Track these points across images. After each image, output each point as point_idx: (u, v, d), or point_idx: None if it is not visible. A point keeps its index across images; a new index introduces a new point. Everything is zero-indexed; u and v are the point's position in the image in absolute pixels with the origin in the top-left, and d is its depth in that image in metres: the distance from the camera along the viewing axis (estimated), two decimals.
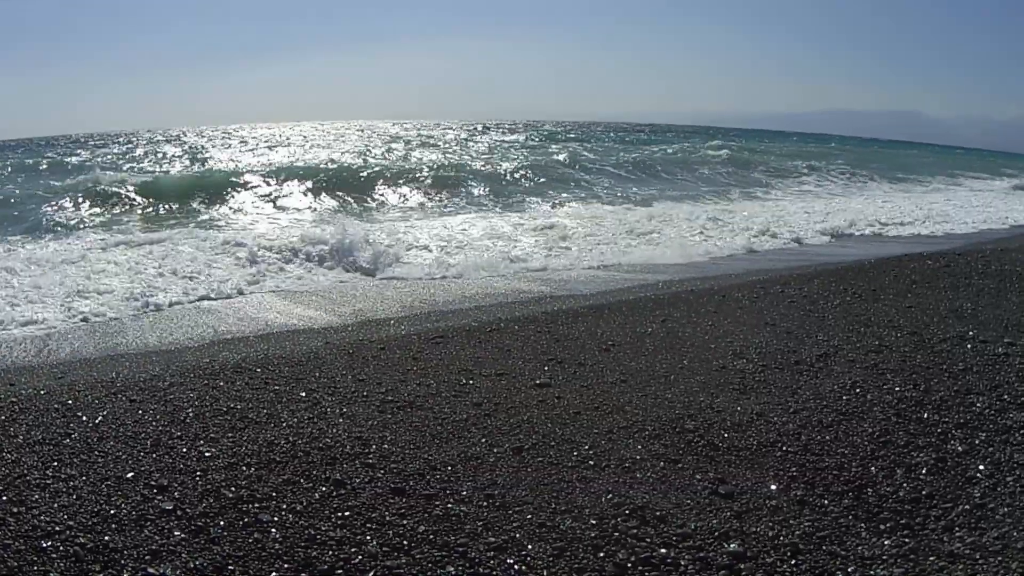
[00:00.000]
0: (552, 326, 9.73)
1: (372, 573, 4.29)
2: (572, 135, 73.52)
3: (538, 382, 7.46)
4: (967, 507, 4.98)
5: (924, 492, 5.17)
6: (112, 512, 4.82)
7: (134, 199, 26.69)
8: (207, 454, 5.75)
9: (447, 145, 55.50)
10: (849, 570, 4.32)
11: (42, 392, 7.11)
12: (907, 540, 4.61)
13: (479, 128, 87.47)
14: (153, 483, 5.23)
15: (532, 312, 10.87)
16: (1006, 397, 6.83)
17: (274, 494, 5.14)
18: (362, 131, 75.82)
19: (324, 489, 5.23)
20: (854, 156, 58.32)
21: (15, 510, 4.80)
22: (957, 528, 4.74)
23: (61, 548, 4.41)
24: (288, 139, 63.53)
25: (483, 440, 6.10)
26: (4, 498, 4.97)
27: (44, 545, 4.42)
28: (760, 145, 65.12)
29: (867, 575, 4.28)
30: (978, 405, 6.66)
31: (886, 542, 4.59)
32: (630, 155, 46.99)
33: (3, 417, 6.45)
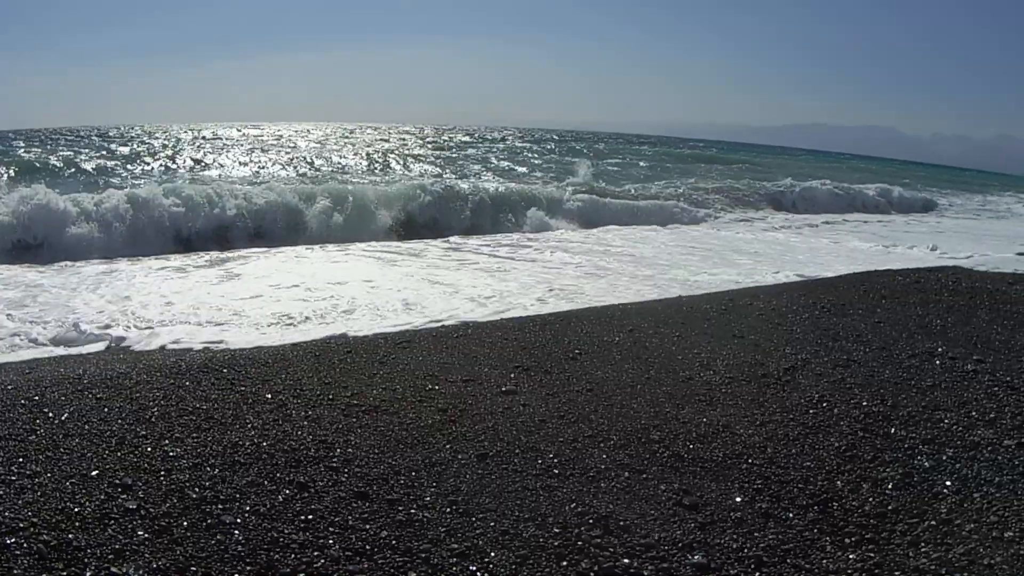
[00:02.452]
0: (519, 333, 9.72)
1: None
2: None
3: (504, 389, 7.45)
4: (933, 523, 5.00)
5: (890, 507, 5.19)
6: (76, 510, 4.80)
7: None
8: (172, 454, 5.73)
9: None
10: None
11: (8, 387, 7.10)
12: (872, 555, 4.63)
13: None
14: (117, 482, 5.20)
15: (499, 319, 10.85)
16: (974, 414, 6.86)
17: (238, 495, 5.13)
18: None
19: (288, 492, 5.22)
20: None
21: None
22: (923, 544, 4.75)
23: (25, 545, 4.38)
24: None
25: (447, 446, 6.10)
26: None
27: (8, 542, 4.39)
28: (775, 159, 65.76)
29: None
30: (946, 421, 6.69)
31: (851, 556, 4.61)
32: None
33: None
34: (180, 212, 21.15)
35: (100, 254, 17.41)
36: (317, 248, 18.83)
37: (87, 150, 45.26)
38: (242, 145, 56.08)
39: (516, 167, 46.12)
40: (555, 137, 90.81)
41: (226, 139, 61.85)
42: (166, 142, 54.72)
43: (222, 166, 41.19)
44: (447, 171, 39.49)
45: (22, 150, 43.51)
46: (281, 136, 69.83)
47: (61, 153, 40.29)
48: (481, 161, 49.62)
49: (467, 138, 77.89)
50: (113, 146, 49.83)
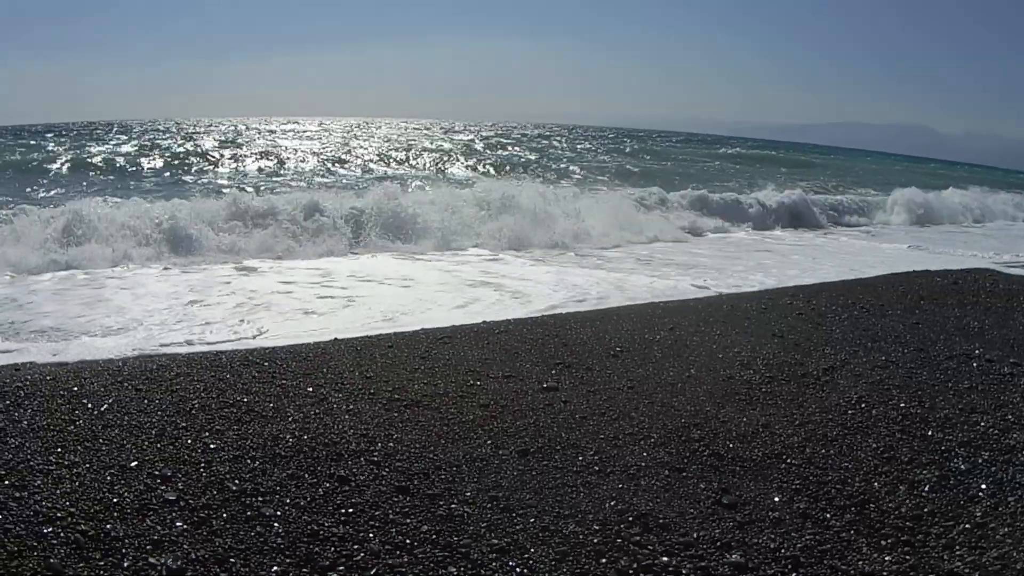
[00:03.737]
0: (560, 330, 9.72)
1: (374, 571, 4.28)
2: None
3: (545, 385, 7.46)
4: (968, 526, 4.98)
5: (926, 509, 5.17)
6: (115, 500, 4.81)
7: None
8: (212, 446, 5.74)
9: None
10: None
11: (48, 378, 7.10)
12: (908, 557, 4.61)
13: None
14: (157, 473, 5.22)
15: (541, 315, 10.86)
16: (1010, 417, 6.84)
17: (278, 488, 5.14)
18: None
19: (328, 485, 5.23)
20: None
21: (17, 495, 4.79)
22: (958, 547, 4.73)
23: (62, 534, 4.39)
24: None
25: (488, 442, 6.11)
26: (6, 483, 4.95)
27: (45, 531, 4.41)
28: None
29: None
30: (982, 424, 6.67)
31: (887, 558, 4.59)
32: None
33: (8, 402, 6.44)
34: None
35: None
36: None
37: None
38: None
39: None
40: (593, 135, 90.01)
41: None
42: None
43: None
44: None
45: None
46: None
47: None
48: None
49: (505, 135, 77.05)
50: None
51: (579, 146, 63.45)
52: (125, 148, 41.94)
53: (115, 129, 60.59)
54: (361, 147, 49.99)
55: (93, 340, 9.27)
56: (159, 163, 35.21)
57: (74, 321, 10.23)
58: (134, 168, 33.77)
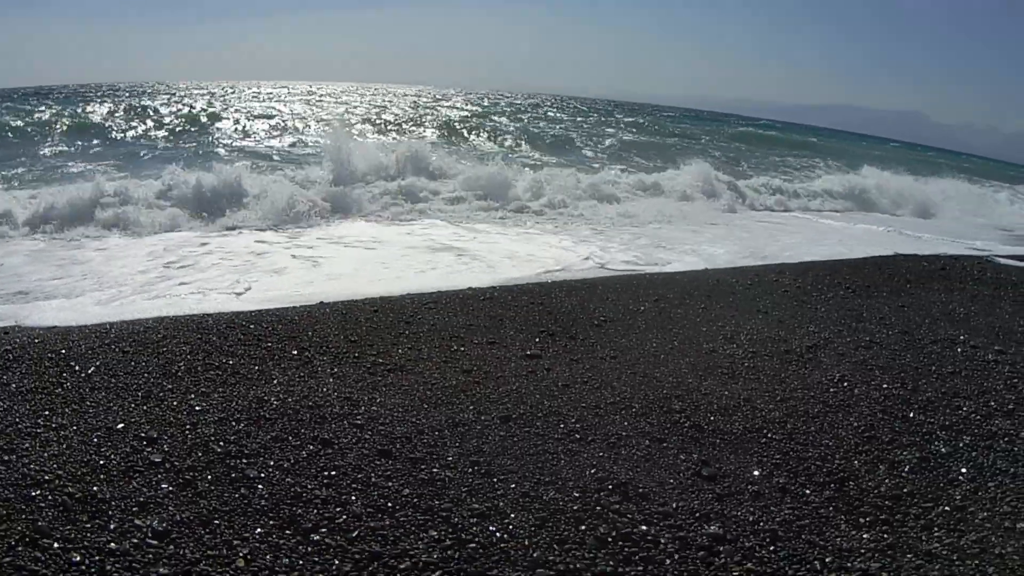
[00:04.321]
0: (545, 298, 9.76)
1: (356, 533, 4.33)
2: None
3: (529, 353, 7.51)
4: (947, 508, 5.02)
5: (906, 490, 5.22)
6: (101, 463, 4.86)
7: None
8: (197, 408, 5.79)
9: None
10: (827, 560, 4.36)
11: (36, 341, 7.12)
12: (886, 536, 4.66)
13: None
14: (143, 435, 5.26)
15: (526, 283, 10.87)
16: (992, 403, 6.88)
17: (262, 450, 5.19)
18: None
19: (312, 448, 5.28)
20: None
21: (6, 458, 4.84)
22: (936, 528, 4.78)
23: (50, 497, 4.43)
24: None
25: (471, 407, 6.15)
26: None
27: (33, 494, 4.45)
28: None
29: (844, 567, 4.32)
30: (964, 409, 6.71)
31: (865, 536, 4.64)
32: None
33: None
34: None
35: None
36: None
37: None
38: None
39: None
40: (598, 107, 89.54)
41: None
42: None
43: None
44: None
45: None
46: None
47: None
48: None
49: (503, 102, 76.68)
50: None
51: (578, 118, 63.18)
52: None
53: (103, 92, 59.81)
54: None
55: (70, 302, 9.22)
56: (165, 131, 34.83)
57: (51, 284, 10.15)
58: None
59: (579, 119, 62.05)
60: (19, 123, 31.54)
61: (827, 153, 49.94)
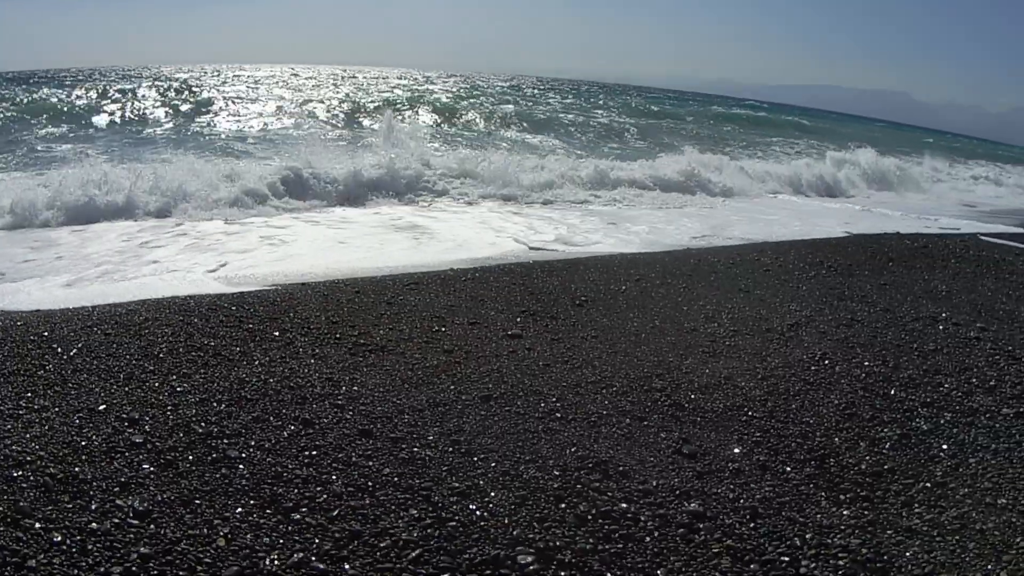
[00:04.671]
0: (527, 279, 9.78)
1: (336, 512, 4.34)
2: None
3: (510, 333, 7.53)
4: (928, 485, 5.04)
5: (886, 467, 5.24)
6: (83, 444, 4.86)
7: None
8: (179, 389, 5.79)
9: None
10: (807, 537, 4.38)
11: (19, 324, 7.13)
12: (866, 512, 4.68)
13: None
14: (124, 416, 5.26)
15: (508, 263, 10.89)
16: (974, 380, 6.91)
17: (243, 431, 5.19)
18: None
19: (293, 428, 5.29)
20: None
21: None
22: (916, 504, 4.80)
23: (31, 478, 4.43)
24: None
25: (452, 387, 6.17)
26: None
27: (15, 475, 4.45)
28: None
29: (824, 543, 4.33)
30: (945, 386, 6.74)
31: (845, 512, 4.65)
32: None
33: None
34: None
35: None
36: None
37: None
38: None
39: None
40: (584, 89, 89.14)
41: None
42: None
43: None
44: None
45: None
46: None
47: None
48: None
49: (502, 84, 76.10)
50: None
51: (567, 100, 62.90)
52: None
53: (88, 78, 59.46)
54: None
55: (43, 283, 9.21)
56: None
57: (23, 265, 10.15)
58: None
59: (569, 100, 61.85)
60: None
61: (820, 135, 49.82)
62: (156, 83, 53.21)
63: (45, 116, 30.20)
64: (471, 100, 52.29)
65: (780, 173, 26.08)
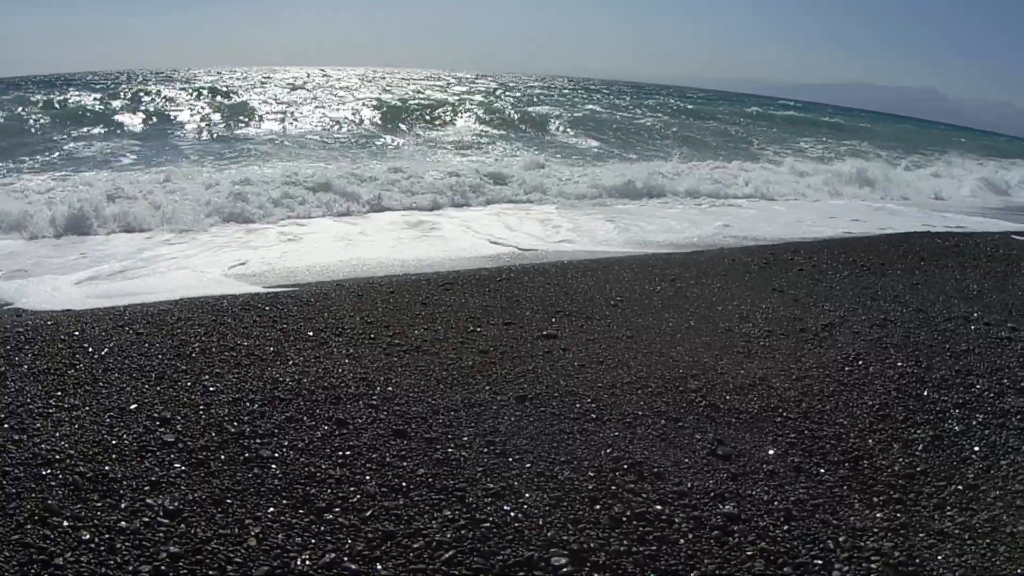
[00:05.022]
0: (561, 279, 9.79)
1: (369, 512, 4.33)
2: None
3: (545, 333, 7.53)
4: (960, 487, 4.99)
5: (919, 469, 5.19)
6: (113, 443, 4.88)
7: None
8: (211, 389, 5.81)
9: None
10: (840, 539, 4.33)
11: (49, 323, 7.16)
12: (899, 515, 4.63)
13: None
14: (156, 415, 5.28)
15: (542, 264, 10.90)
16: (1006, 381, 6.84)
17: (276, 431, 5.20)
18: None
19: (326, 428, 5.29)
20: None
21: (16, 437, 4.86)
22: (948, 507, 4.75)
23: (60, 476, 4.45)
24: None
25: (487, 387, 6.16)
26: (6, 426, 5.03)
27: (43, 473, 4.47)
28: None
29: (857, 546, 4.29)
30: (978, 387, 6.68)
31: (878, 515, 4.61)
32: None
33: (8, 347, 6.51)
34: None
35: None
36: None
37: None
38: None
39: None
40: (625, 90, 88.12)
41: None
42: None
43: None
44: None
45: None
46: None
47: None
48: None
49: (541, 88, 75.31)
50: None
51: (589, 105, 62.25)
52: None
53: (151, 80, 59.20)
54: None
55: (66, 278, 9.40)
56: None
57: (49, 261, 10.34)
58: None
59: (617, 101, 61.28)
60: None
61: (872, 137, 48.95)
62: (219, 84, 53.02)
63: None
64: (545, 104, 51.14)
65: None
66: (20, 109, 32.39)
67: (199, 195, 15.34)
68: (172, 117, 33.64)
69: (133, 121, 31.53)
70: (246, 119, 34.19)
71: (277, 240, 12.92)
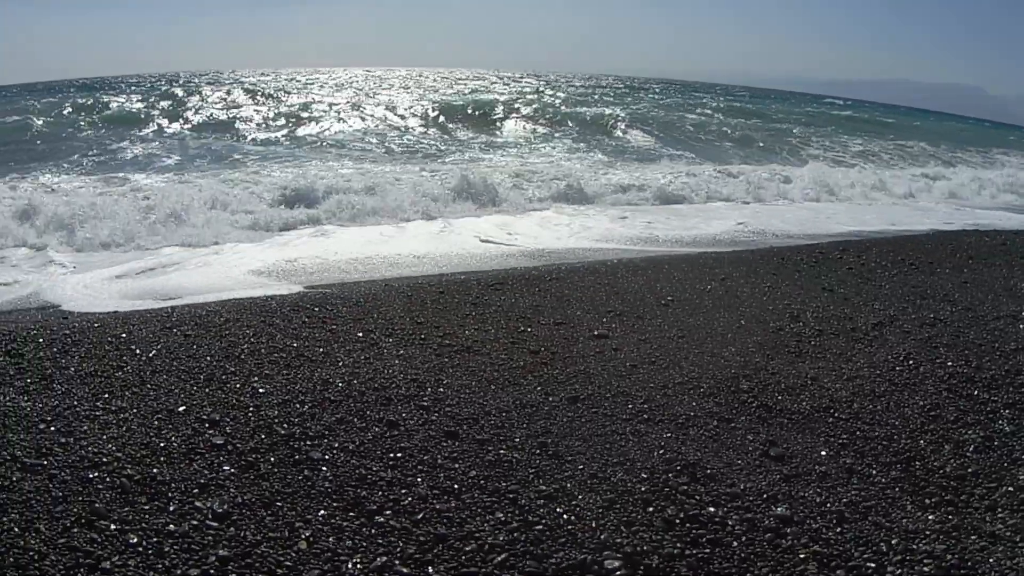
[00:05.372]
0: (612, 278, 9.82)
1: (421, 515, 4.32)
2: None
3: (596, 333, 7.52)
4: (1011, 488, 4.93)
5: (970, 470, 5.14)
6: (162, 445, 4.88)
7: None
8: (261, 390, 5.81)
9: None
10: (892, 542, 4.29)
11: (96, 325, 7.19)
12: (951, 517, 4.58)
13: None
14: (204, 417, 5.30)
15: (592, 263, 10.92)
16: None
17: (326, 432, 5.19)
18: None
19: (377, 429, 5.28)
20: None
21: (63, 440, 4.87)
22: (1000, 509, 4.70)
23: (108, 479, 4.46)
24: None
25: (538, 388, 6.15)
26: (52, 428, 5.03)
27: (90, 476, 4.47)
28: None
29: (910, 548, 4.25)
30: None
31: (930, 517, 4.57)
32: None
33: (55, 349, 6.53)
34: None
35: None
36: None
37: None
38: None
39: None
40: (673, 88, 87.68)
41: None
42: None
43: None
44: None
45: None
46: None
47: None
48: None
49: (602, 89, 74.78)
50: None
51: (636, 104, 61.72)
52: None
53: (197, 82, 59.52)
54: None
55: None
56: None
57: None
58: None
59: (671, 101, 60.99)
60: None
61: (934, 137, 48.07)
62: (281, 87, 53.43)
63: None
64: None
65: None
66: (75, 115, 32.85)
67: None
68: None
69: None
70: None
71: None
